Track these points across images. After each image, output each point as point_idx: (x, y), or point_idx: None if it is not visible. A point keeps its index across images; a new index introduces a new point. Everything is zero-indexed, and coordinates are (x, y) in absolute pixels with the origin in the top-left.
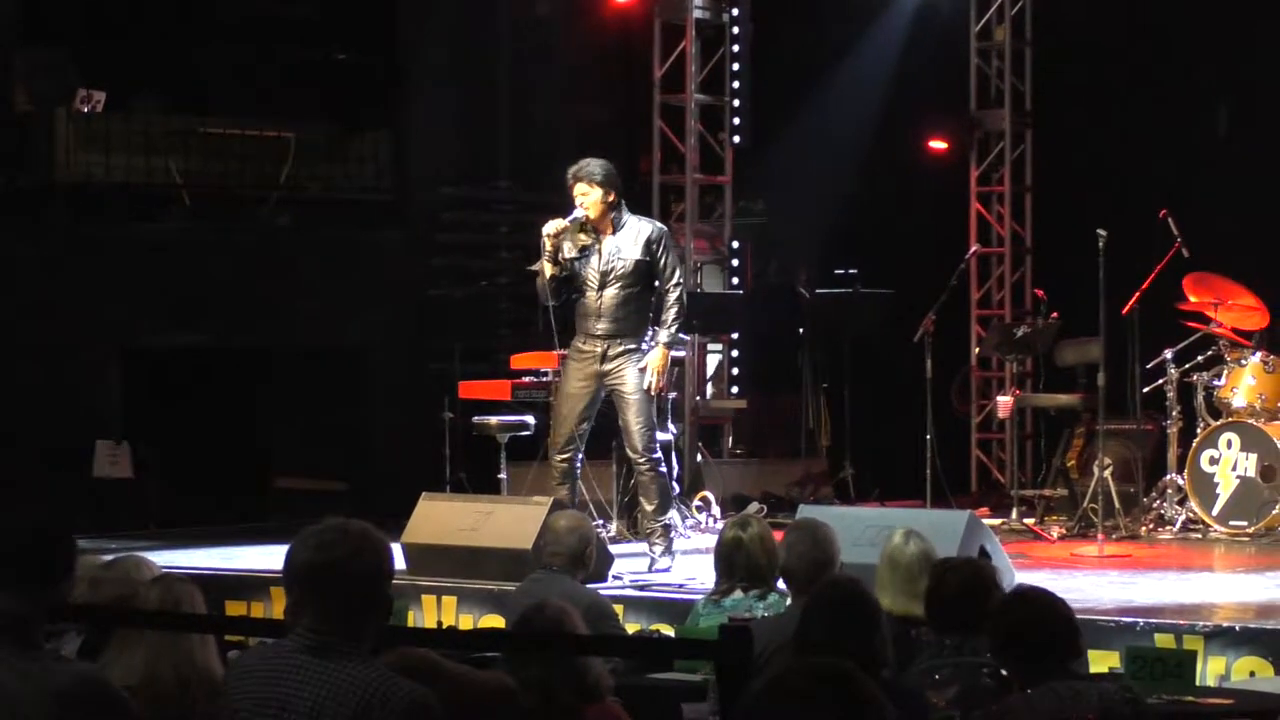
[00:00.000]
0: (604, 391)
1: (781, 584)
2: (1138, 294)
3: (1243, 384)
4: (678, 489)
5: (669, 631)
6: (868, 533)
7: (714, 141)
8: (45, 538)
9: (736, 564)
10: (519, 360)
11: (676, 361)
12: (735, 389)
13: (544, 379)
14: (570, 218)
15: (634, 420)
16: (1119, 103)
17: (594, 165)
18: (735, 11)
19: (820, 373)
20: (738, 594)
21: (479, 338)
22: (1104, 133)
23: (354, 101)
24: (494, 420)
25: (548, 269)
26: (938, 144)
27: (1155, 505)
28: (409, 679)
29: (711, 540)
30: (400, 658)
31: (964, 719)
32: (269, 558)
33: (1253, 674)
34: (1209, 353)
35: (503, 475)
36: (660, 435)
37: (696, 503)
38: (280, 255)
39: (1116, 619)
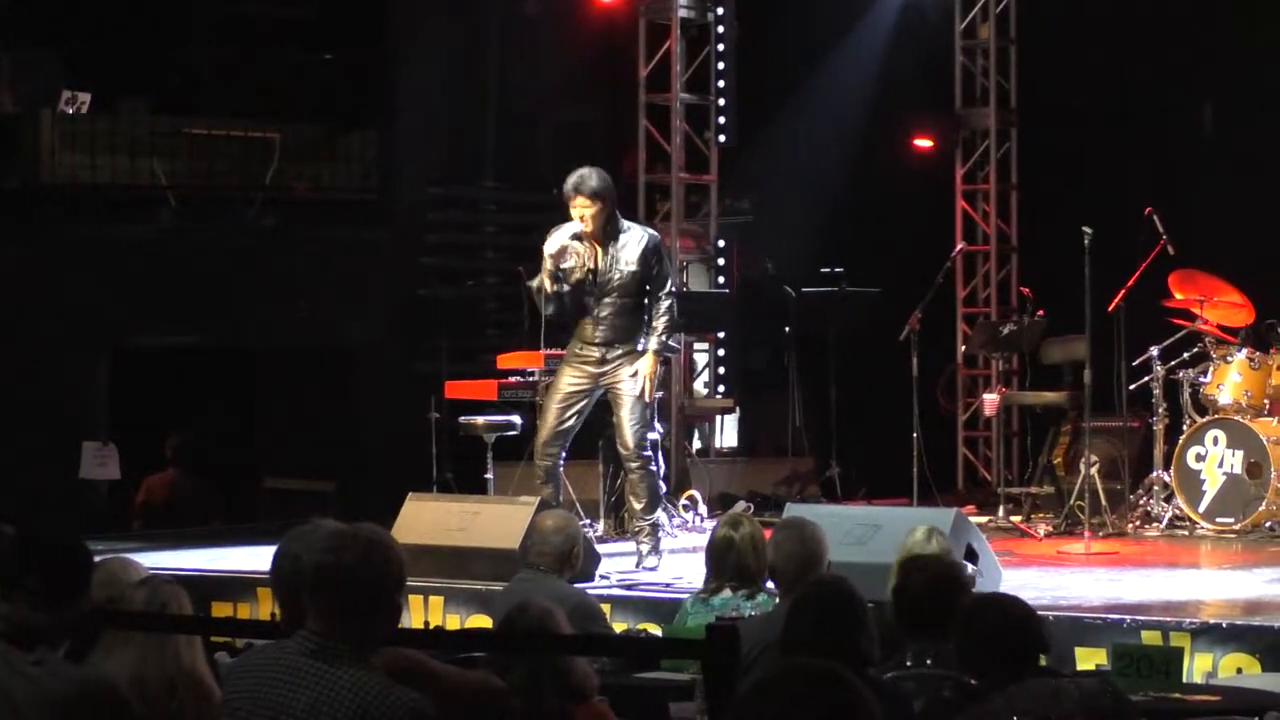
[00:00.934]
0: (599, 393)
1: (770, 583)
2: (1123, 291)
3: (1228, 381)
4: (664, 488)
5: (656, 631)
6: (854, 531)
7: (699, 141)
8: (70, 549)
9: (727, 563)
10: (505, 360)
11: (664, 361)
12: (722, 388)
13: (531, 379)
14: (570, 236)
15: (628, 417)
16: (1104, 100)
17: (594, 179)
18: (720, 11)
19: (806, 371)
20: (726, 593)
21: (466, 337)
22: (1089, 130)
23: (340, 102)
24: (480, 420)
25: (548, 285)
26: (923, 142)
27: (1142, 502)
28: (399, 680)
29: (698, 539)
30: (390, 659)
31: None
32: (256, 559)
33: (1240, 671)
34: (1195, 350)
35: (489, 475)
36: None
37: (683, 501)
38: (266, 255)
39: (1103, 616)
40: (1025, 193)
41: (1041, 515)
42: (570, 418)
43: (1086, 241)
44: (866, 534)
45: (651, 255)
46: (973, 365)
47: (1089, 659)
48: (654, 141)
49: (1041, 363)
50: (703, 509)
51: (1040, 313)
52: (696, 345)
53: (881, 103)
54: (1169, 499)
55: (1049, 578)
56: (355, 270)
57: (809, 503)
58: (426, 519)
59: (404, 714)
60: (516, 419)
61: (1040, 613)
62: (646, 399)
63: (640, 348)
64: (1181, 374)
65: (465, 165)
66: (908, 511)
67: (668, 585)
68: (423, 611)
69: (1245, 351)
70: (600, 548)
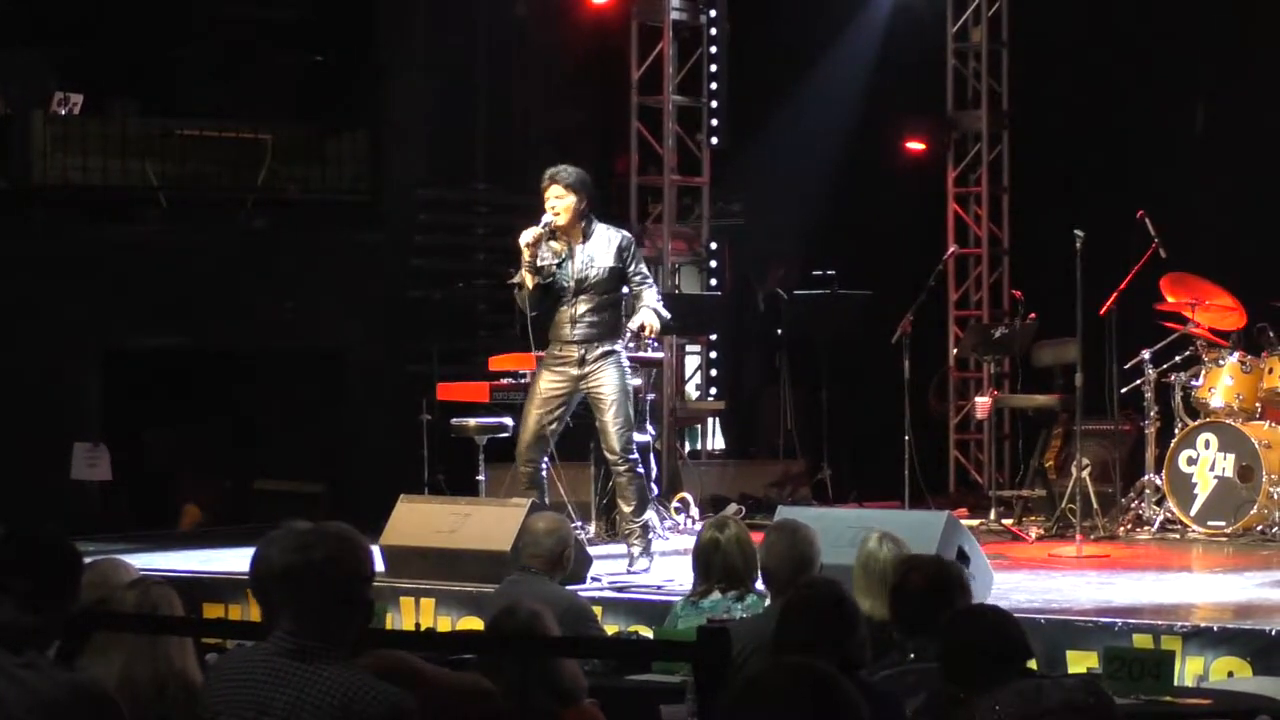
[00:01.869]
0: (580, 396)
1: (760, 585)
2: (1115, 294)
3: (1220, 384)
4: (656, 490)
5: (647, 633)
6: (846, 534)
7: (691, 143)
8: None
9: (714, 565)
10: (497, 362)
11: (654, 363)
12: (714, 390)
13: (522, 381)
14: (542, 224)
15: (611, 421)
16: (1096, 103)
17: (569, 170)
18: (712, 13)
19: (798, 374)
20: (716, 595)
21: (457, 339)
22: (1081, 133)
23: (331, 103)
24: (472, 422)
25: (529, 279)
26: (915, 145)
27: (1133, 505)
28: (387, 682)
29: (690, 541)
30: (378, 660)
31: None
32: (247, 560)
33: (1231, 674)
34: (1186, 353)
35: (481, 477)
36: (638, 437)
37: (675, 504)
38: (257, 257)
39: (1094, 619)
40: (1017, 196)
41: (1033, 518)
42: (551, 423)
43: (1078, 244)
44: (857, 536)
45: (625, 251)
46: (964, 368)
47: (1080, 662)
48: (646, 143)
49: (1033, 366)
50: (694, 511)
51: (1032, 316)
52: (688, 348)
53: (873, 105)
54: (1160, 502)
55: (1040, 581)
56: (347, 272)
57: (800, 505)
58: (418, 521)
59: (385, 709)
60: (508, 421)
61: (1031, 616)
62: (647, 335)
63: (620, 347)
64: (1173, 377)
65: (456, 167)
66: (899, 514)
67: (659, 588)
68: (414, 613)
69: (1237, 355)
70: (591, 550)
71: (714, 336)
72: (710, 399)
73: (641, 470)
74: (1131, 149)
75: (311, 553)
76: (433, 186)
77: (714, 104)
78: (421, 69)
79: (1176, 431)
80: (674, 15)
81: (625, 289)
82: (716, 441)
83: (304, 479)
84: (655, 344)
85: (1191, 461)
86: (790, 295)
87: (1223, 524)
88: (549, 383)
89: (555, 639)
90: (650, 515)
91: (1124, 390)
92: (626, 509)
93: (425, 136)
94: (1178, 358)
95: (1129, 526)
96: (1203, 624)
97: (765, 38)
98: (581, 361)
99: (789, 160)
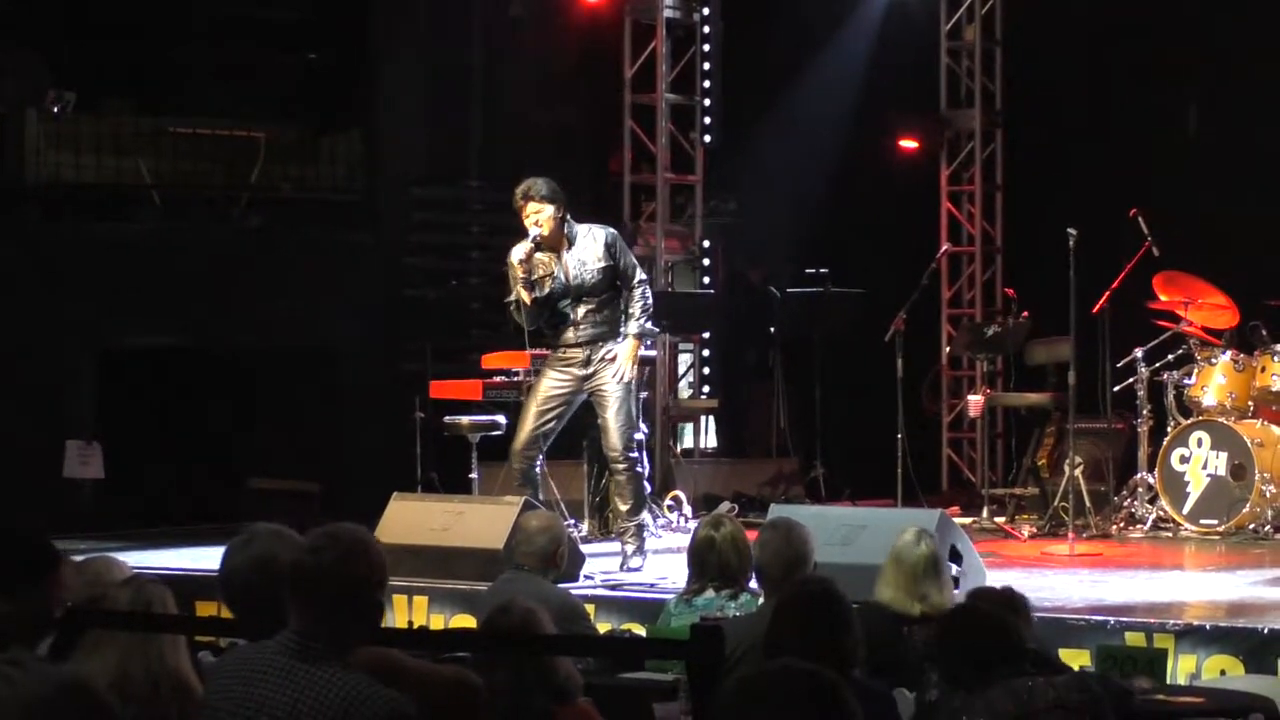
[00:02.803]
0: (582, 397)
1: (754, 583)
2: (1108, 293)
3: (1213, 383)
4: (649, 488)
5: (640, 631)
6: (839, 532)
7: (685, 141)
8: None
9: (709, 564)
10: (490, 360)
11: (648, 360)
12: (707, 388)
13: (515, 379)
14: (530, 238)
15: (614, 418)
16: (1089, 102)
17: (540, 184)
18: (706, 11)
19: (791, 372)
20: (709, 593)
21: (450, 337)
22: (1074, 132)
23: (325, 101)
24: (465, 420)
25: (525, 295)
26: (908, 143)
27: (1126, 504)
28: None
29: (683, 540)
30: (366, 658)
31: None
32: None
33: (1223, 672)
34: (1179, 351)
35: (474, 475)
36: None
37: (668, 502)
38: (251, 255)
39: (1087, 617)
40: (1010, 194)
41: (1025, 516)
42: (549, 421)
43: (1071, 243)
44: (851, 535)
45: (612, 246)
46: (957, 366)
47: (1073, 660)
48: (639, 142)
49: (1026, 364)
50: (687, 509)
51: (1025, 314)
52: (681, 346)
53: (867, 104)
54: (1153, 501)
55: (1033, 579)
56: (340, 270)
57: (793, 503)
58: (411, 519)
59: (386, 712)
60: (501, 419)
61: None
62: (627, 379)
63: (612, 349)
64: (1166, 376)
65: (450, 165)
66: (892, 512)
67: (652, 586)
68: (407, 611)
69: (1229, 353)
70: (585, 548)
71: (707, 335)
72: (703, 397)
73: (641, 469)
74: (1125, 147)
75: (323, 554)
76: (426, 185)
77: (707, 102)
78: (415, 67)
79: (1169, 430)
80: (667, 13)
81: (619, 283)
82: (709, 440)
83: (298, 477)
84: (648, 343)
85: (1184, 460)
86: (783, 293)
87: (1215, 522)
88: (552, 382)
89: (548, 637)
90: (645, 514)
91: (1117, 389)
92: (623, 507)
93: (419, 135)
94: (1170, 356)
95: (1122, 525)
96: (1195, 622)
97: (759, 36)
98: (587, 362)
99: (782, 158)
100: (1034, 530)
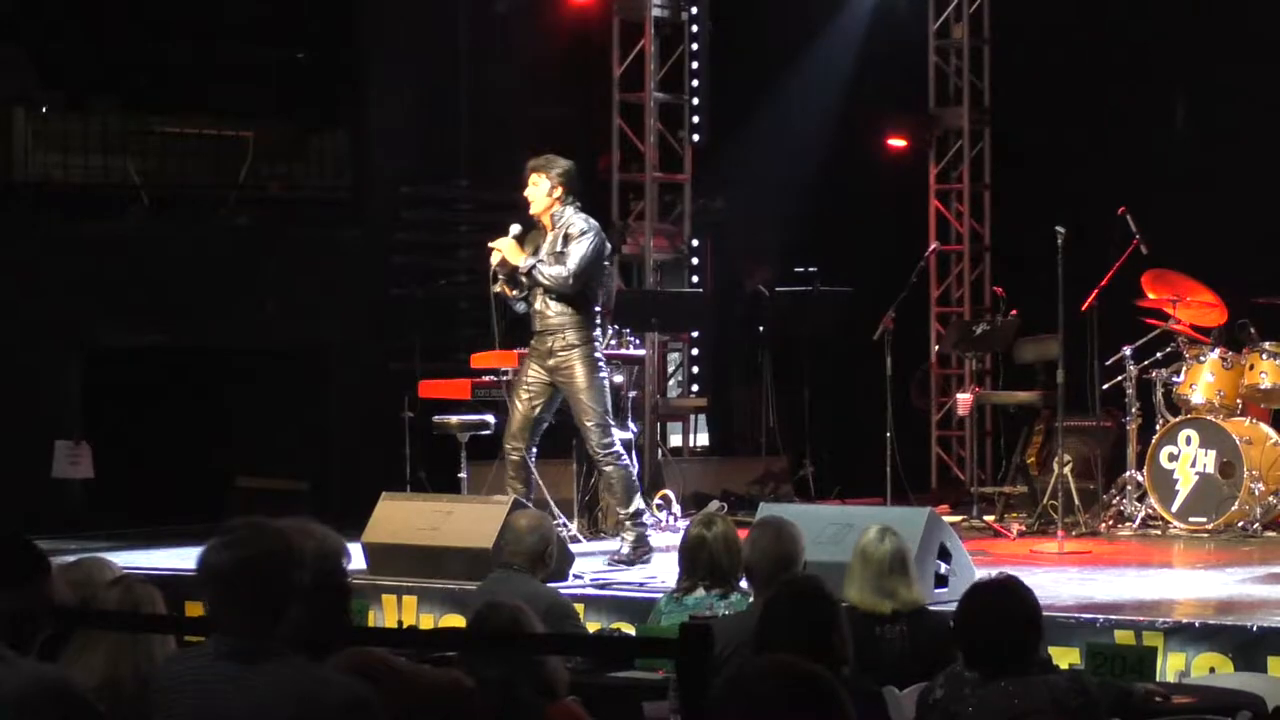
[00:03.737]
0: (558, 389)
1: (744, 583)
2: (1096, 291)
3: (1201, 380)
4: (639, 487)
5: (630, 630)
6: (828, 530)
7: (673, 140)
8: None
9: (699, 562)
10: (479, 359)
11: (636, 360)
12: (696, 387)
13: (504, 378)
14: (511, 235)
15: (583, 415)
16: (1077, 100)
17: (554, 160)
18: (694, 10)
19: (780, 371)
20: (700, 592)
21: (439, 336)
22: (1062, 130)
23: (313, 100)
24: (454, 419)
25: (508, 290)
26: (896, 142)
27: (1115, 502)
28: (362, 679)
29: (672, 539)
30: (352, 658)
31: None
32: None
33: (1212, 670)
34: (1168, 349)
35: (463, 474)
36: (621, 434)
37: (657, 501)
38: (239, 254)
39: (1076, 615)
40: (998, 192)
41: (1014, 515)
42: (537, 407)
43: (1059, 241)
44: (840, 533)
45: (572, 238)
46: (946, 365)
47: (1062, 658)
48: (627, 140)
49: (1015, 362)
50: (676, 508)
51: (1013, 312)
52: (670, 345)
53: (855, 102)
54: (1142, 498)
55: (1022, 577)
56: (328, 269)
57: (782, 502)
58: (400, 518)
59: (345, 699)
60: (490, 418)
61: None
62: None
63: (591, 341)
64: (1154, 373)
65: (438, 164)
66: (881, 511)
67: (641, 584)
68: (396, 611)
69: (1218, 351)
70: (574, 547)
71: (696, 334)
72: (692, 396)
73: (625, 462)
74: (1113, 145)
75: (228, 552)
76: (414, 183)
77: (695, 100)
78: (402, 66)
79: (1158, 428)
80: (655, 12)
81: (597, 277)
82: (699, 438)
83: (286, 476)
84: (636, 341)
85: (1173, 458)
86: (772, 292)
87: (1204, 520)
88: (530, 370)
89: (537, 636)
90: (639, 502)
91: (1105, 387)
92: (612, 501)
93: (406, 133)
94: (1159, 354)
95: (1110, 523)
96: (1184, 620)
97: (747, 34)
98: (550, 353)
99: (771, 157)
100: (1023, 528)
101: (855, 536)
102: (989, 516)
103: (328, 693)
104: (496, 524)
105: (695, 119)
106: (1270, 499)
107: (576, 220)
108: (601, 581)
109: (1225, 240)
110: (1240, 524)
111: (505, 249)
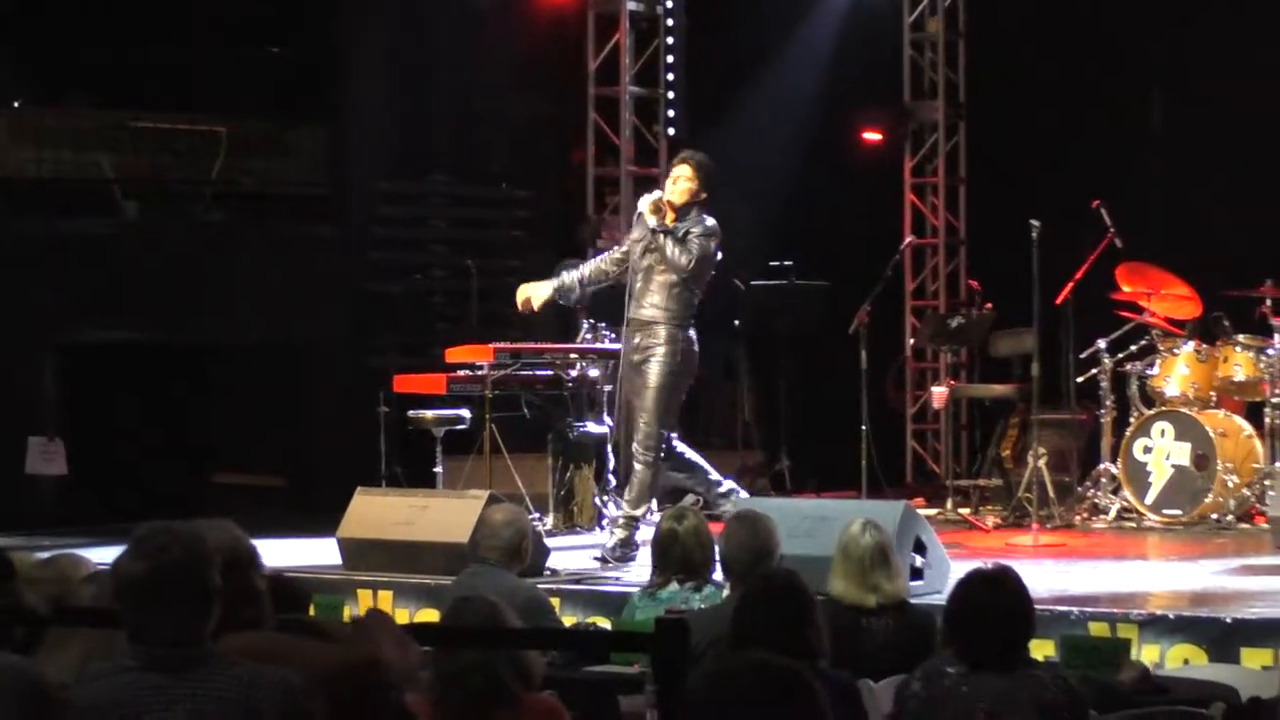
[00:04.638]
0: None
1: (718, 576)
2: (1071, 284)
3: (1176, 373)
4: (613, 482)
5: (605, 624)
6: (803, 524)
7: (648, 133)
8: None
9: (672, 556)
10: (454, 354)
11: (611, 354)
12: None
13: (479, 373)
14: (656, 195)
15: (639, 410)
16: (1052, 94)
17: (709, 163)
18: (669, 3)
19: (755, 365)
20: (674, 586)
21: (415, 332)
22: (1037, 124)
23: (289, 95)
24: (429, 414)
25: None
26: (872, 136)
27: (1089, 494)
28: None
29: (647, 533)
30: (244, 644)
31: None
32: None
33: (1186, 661)
34: (1142, 342)
35: (438, 469)
36: (595, 428)
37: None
38: (215, 250)
39: (1051, 608)
40: (973, 186)
41: (990, 507)
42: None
43: (1034, 234)
44: (815, 527)
45: (698, 233)
46: (921, 358)
47: (1037, 650)
48: (603, 134)
49: (990, 355)
50: (653, 503)
51: (988, 306)
52: None
53: (830, 96)
54: (1116, 491)
55: None
56: (304, 265)
57: (758, 496)
58: (375, 513)
59: (281, 693)
60: (465, 413)
61: None
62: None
63: (677, 341)
64: (1129, 366)
65: (415, 159)
66: (857, 504)
67: (616, 579)
68: (372, 605)
69: (1192, 344)
70: (549, 541)
71: None
72: None
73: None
74: (1087, 139)
75: (137, 563)
76: (391, 179)
77: (671, 94)
78: (380, 61)
79: (1132, 420)
80: (631, 5)
81: (682, 276)
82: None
83: (263, 472)
84: (611, 335)
85: (1147, 450)
86: (747, 286)
87: (1178, 512)
88: (624, 368)
89: (513, 630)
90: (643, 510)
91: (1080, 380)
92: (624, 494)
93: (383, 129)
94: (1134, 347)
95: (1085, 515)
96: (1159, 612)
97: (722, 28)
98: (635, 346)
99: (746, 151)
100: (998, 521)
101: (831, 530)
102: (964, 510)
103: (265, 688)
104: (472, 519)
105: (670, 113)
106: (1244, 491)
107: (707, 219)
108: (577, 576)
109: (1199, 234)
110: (1214, 516)
111: (647, 206)
